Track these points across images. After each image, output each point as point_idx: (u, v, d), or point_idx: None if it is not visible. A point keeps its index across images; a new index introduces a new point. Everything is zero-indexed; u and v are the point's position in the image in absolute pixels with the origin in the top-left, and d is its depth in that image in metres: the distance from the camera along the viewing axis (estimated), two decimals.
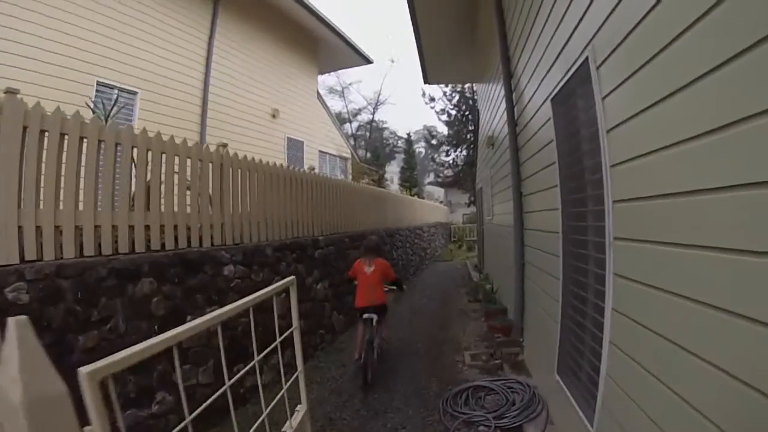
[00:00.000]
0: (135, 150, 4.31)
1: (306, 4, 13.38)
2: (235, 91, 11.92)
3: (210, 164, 5.28)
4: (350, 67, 18.40)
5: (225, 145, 5.77)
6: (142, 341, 1.25)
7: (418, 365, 6.10)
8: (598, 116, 2.68)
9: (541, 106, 4.40)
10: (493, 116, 8.85)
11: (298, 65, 15.09)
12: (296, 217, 6.85)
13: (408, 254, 14.26)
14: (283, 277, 5.65)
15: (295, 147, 14.30)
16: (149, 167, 4.46)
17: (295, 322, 2.56)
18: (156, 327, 4.08)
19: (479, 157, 13.39)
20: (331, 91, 36.94)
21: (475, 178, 15.56)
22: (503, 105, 6.67)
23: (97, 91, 8.27)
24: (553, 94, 3.84)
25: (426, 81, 14.02)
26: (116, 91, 8.58)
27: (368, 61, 17.29)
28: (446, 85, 31.12)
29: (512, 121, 5.93)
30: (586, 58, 2.80)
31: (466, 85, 30.62)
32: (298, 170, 7.09)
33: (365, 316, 5.71)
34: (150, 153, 4.47)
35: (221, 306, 1.84)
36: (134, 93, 9.22)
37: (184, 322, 4.07)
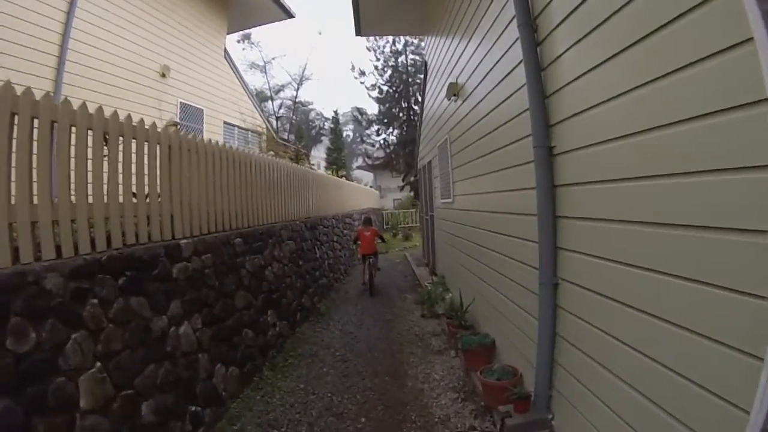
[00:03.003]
0: None
1: None
2: (108, 38, 8.31)
3: None
4: (268, 22, 14.86)
5: None
6: None
7: None
8: None
9: None
10: (456, 60, 6.19)
11: (201, 15, 11.62)
12: (130, 209, 3.77)
13: (335, 250, 11.30)
14: (93, 333, 3.09)
15: (192, 116, 10.88)
16: None
17: None
18: None
19: (425, 125, 10.68)
20: (253, 66, 32.94)
21: (417, 152, 12.83)
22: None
23: None
24: None
25: (358, 32, 11.32)
26: None
27: (290, 15, 14.04)
28: (378, 59, 29.09)
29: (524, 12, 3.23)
30: None
31: (400, 59, 28.67)
32: (139, 123, 3.97)
33: (366, 258, 9.71)
34: None
35: None
36: None
37: None
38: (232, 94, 12.93)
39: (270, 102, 33.32)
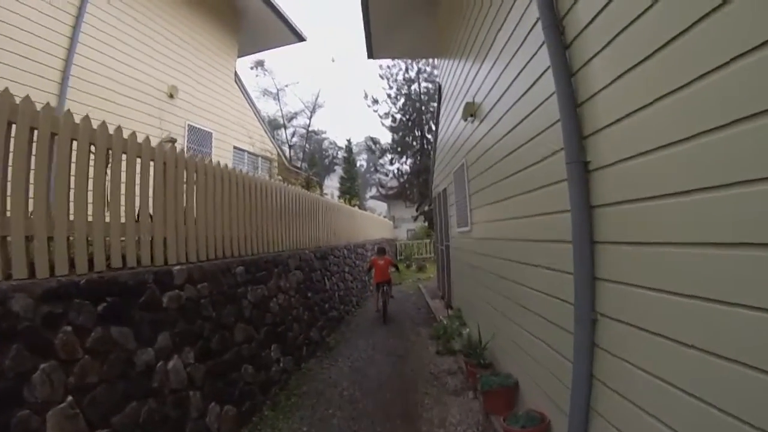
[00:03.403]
0: None
1: None
2: (114, 55, 8.12)
3: None
4: (279, 45, 14.89)
5: None
6: None
7: None
8: None
9: None
10: (472, 78, 5.90)
11: (212, 37, 11.56)
12: (118, 230, 3.45)
13: (347, 281, 10.89)
14: (65, 363, 2.78)
15: (200, 139, 10.70)
16: None
17: None
18: None
19: (439, 151, 10.39)
20: (266, 93, 33.23)
21: (431, 180, 12.53)
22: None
23: None
24: None
25: (370, 55, 11.27)
26: None
27: (301, 39, 14.06)
28: (391, 87, 29.29)
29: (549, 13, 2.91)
30: None
31: (413, 87, 28.67)
32: (131, 136, 3.68)
33: (380, 286, 10.09)
34: None
35: None
36: None
37: None
38: (243, 118, 12.77)
39: (283, 130, 33.46)
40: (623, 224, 2.34)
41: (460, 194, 7.09)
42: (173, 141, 4.67)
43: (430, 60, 27.75)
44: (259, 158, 13.62)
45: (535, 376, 3.79)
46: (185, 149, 9.35)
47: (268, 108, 34.32)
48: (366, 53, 10.99)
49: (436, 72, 25.59)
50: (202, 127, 10.82)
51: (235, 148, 12.24)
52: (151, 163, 3.89)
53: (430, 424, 4.39)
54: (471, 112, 5.76)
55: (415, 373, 5.97)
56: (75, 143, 3.21)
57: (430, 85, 28.09)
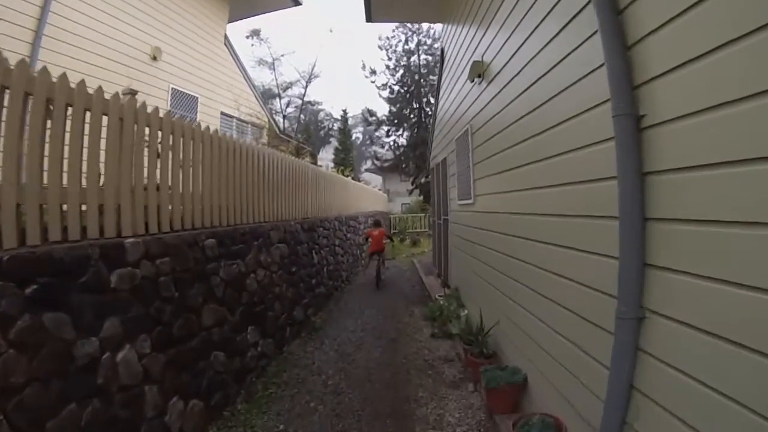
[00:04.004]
0: None
1: None
2: (93, 14, 7.37)
3: None
4: (273, 9, 13.94)
5: None
6: None
7: None
8: None
9: None
10: (481, 36, 5.29)
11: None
12: (56, 196, 2.85)
13: (336, 254, 10.33)
14: None
15: (184, 104, 9.99)
16: None
17: None
18: None
19: (439, 119, 9.74)
20: (261, 62, 32.05)
21: (430, 151, 11.93)
22: None
23: None
24: None
25: (369, 18, 10.29)
26: None
27: (296, 2, 13.22)
28: (390, 58, 28.65)
29: None
30: None
31: (412, 59, 27.93)
32: (79, 85, 3.06)
33: (375, 255, 11.12)
34: None
35: None
36: None
37: None
38: (232, 84, 12.01)
39: (278, 99, 32.41)
40: (689, 197, 1.77)
41: (463, 164, 6.47)
42: (133, 93, 4.01)
43: (431, 32, 27.07)
44: (249, 125, 12.92)
45: (549, 374, 3.27)
46: (168, 113, 8.66)
47: (263, 77, 33.21)
48: (364, 16, 10.13)
49: (436, 45, 24.81)
50: (187, 91, 10.09)
51: (222, 113, 11.54)
52: (104, 118, 3.26)
53: (425, 423, 3.87)
54: (479, 72, 5.11)
55: (408, 360, 5.44)
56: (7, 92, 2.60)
57: (429, 58, 27.39)
